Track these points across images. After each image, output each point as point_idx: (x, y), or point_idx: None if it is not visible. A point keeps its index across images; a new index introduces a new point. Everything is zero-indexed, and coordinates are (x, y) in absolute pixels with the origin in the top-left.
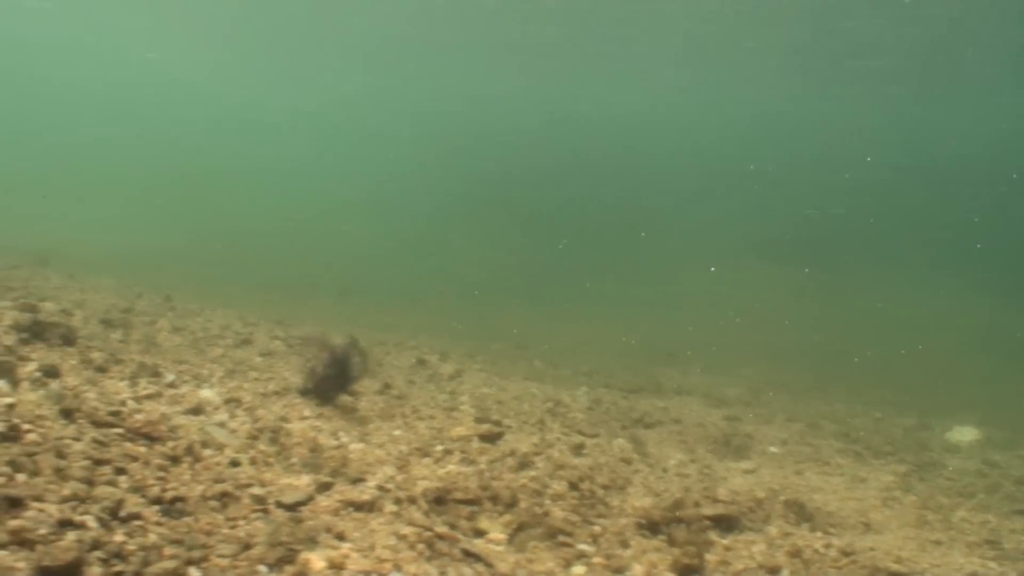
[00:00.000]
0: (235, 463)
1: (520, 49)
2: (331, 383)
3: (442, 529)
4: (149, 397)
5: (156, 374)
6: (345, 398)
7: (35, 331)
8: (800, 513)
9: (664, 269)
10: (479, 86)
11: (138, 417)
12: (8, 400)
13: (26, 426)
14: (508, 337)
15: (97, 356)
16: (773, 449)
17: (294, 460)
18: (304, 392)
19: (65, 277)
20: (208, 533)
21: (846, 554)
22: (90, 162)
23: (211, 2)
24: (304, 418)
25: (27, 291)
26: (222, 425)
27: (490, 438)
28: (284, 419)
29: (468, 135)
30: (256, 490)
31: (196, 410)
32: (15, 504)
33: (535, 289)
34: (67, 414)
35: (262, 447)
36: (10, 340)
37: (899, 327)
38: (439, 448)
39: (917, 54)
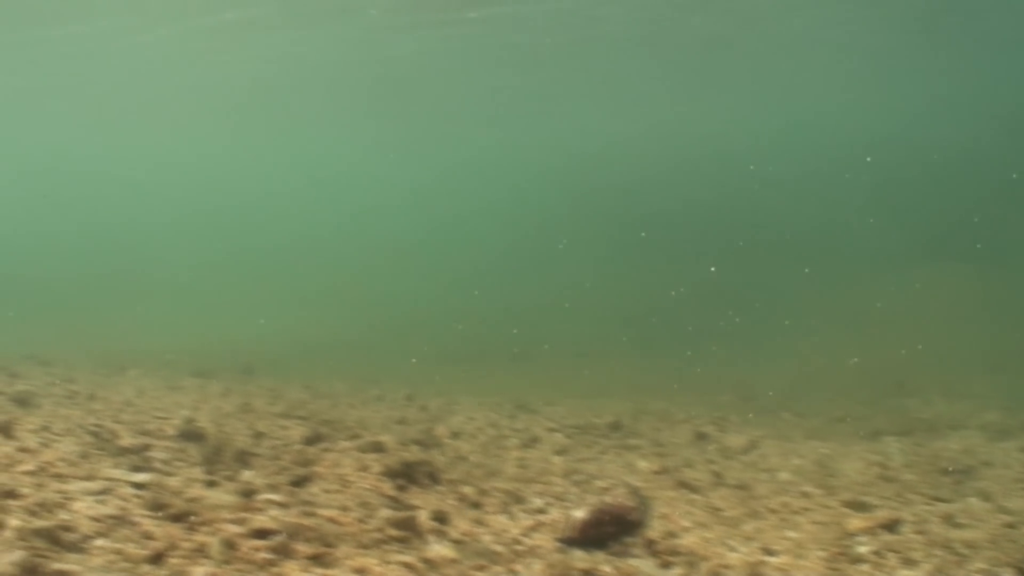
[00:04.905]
0: None
1: (654, 84)
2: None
3: None
4: (533, 529)
5: (520, 500)
6: (696, 497)
7: (407, 474)
8: None
9: (828, 284)
10: (607, 127)
11: (607, 570)
12: None
13: None
14: (706, 381)
15: (468, 491)
16: None
17: None
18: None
19: (302, 389)
20: None
21: None
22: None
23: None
24: (686, 529)
25: (310, 416)
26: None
27: (889, 526)
28: (672, 534)
29: (596, 177)
30: None
31: None
32: None
33: (699, 325)
34: None
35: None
36: (390, 489)
37: None
38: (863, 550)
39: None
